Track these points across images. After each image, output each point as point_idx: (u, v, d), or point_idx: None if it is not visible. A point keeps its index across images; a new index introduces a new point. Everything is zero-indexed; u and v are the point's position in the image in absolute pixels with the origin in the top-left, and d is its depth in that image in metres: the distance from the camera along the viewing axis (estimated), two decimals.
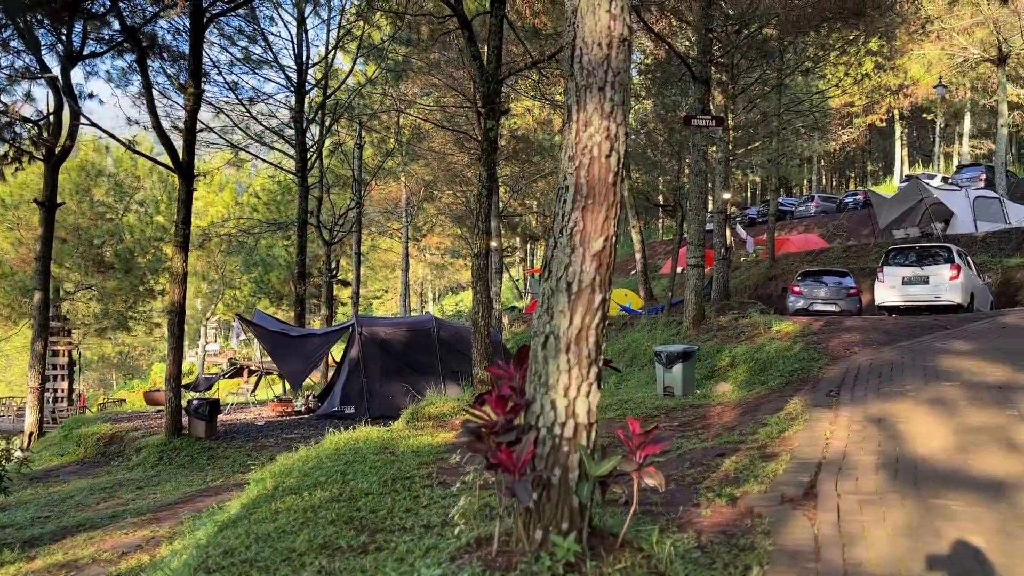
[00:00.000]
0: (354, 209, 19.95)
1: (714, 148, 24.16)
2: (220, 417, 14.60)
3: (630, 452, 3.77)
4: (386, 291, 55.21)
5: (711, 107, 22.98)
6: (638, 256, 30.96)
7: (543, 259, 3.94)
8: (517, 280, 51.74)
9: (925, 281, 15.48)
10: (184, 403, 12.66)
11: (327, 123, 20.33)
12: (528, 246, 49.74)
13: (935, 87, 23.42)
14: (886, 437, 6.13)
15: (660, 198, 41.03)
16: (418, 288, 54.06)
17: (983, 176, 31.60)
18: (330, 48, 19.69)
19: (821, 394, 8.27)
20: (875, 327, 12.45)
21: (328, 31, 18.37)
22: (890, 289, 16.04)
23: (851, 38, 23.45)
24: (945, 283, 15.08)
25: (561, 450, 3.69)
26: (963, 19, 25.91)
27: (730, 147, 24.43)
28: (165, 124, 12.87)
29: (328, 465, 6.43)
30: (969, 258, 16.46)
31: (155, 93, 12.66)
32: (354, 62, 18.65)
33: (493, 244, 21.40)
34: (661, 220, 57.09)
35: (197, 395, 15.54)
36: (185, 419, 12.49)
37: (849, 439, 6.18)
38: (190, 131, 11.92)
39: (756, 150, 32.56)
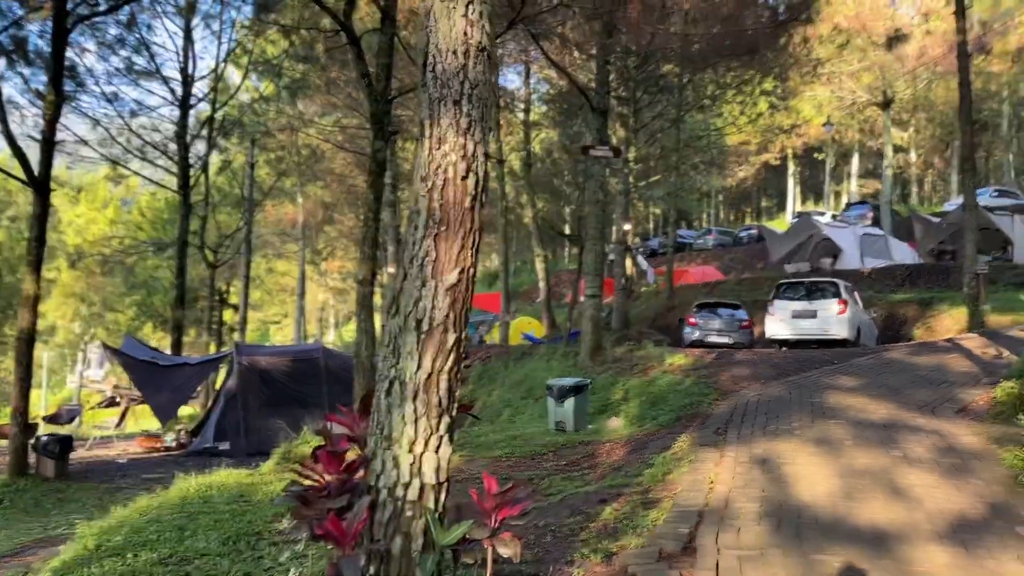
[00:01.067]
0: (242, 230, 18.93)
1: (616, 180, 24.42)
2: (79, 454, 13.32)
3: (484, 515, 3.30)
4: (285, 316, 53.30)
5: (613, 138, 23.26)
6: (542, 285, 30.81)
7: (392, 293, 3.42)
8: None
9: (813, 315, 15.83)
10: (35, 438, 11.43)
11: (215, 139, 19.33)
12: None
13: (823, 125, 24.50)
14: (771, 480, 5.91)
15: (566, 227, 41.36)
16: (319, 314, 52.40)
17: (870, 214, 33.22)
18: (220, 62, 18.80)
19: (709, 432, 8.07)
20: (765, 360, 12.52)
21: (219, 44, 17.61)
22: (780, 322, 16.33)
23: (746, 78, 24.28)
24: (833, 317, 15.45)
25: (403, 515, 3.18)
26: (851, 63, 27.29)
27: (631, 179, 24.74)
28: (23, 133, 11.75)
29: (168, 518, 5.68)
30: (856, 293, 16.98)
31: (25, 102, 11.59)
32: (244, 77, 17.78)
33: (390, 270, 20.74)
34: (567, 249, 57.61)
35: (61, 427, 14.19)
36: (33, 457, 11.26)
37: (733, 483, 5.92)
38: (48, 142, 10.87)
39: (657, 183, 33.26)
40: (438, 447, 3.30)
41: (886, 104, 28.70)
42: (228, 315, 32.12)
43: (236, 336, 25.47)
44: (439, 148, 3.32)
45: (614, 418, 10.42)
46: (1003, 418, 7.68)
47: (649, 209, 53.40)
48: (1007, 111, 42.29)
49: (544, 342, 24.16)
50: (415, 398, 3.27)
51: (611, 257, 26.15)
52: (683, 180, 35.92)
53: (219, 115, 20.40)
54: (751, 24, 15.05)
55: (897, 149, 43.12)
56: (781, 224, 39.98)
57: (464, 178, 3.34)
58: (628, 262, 27.80)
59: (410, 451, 3.25)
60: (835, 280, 16.43)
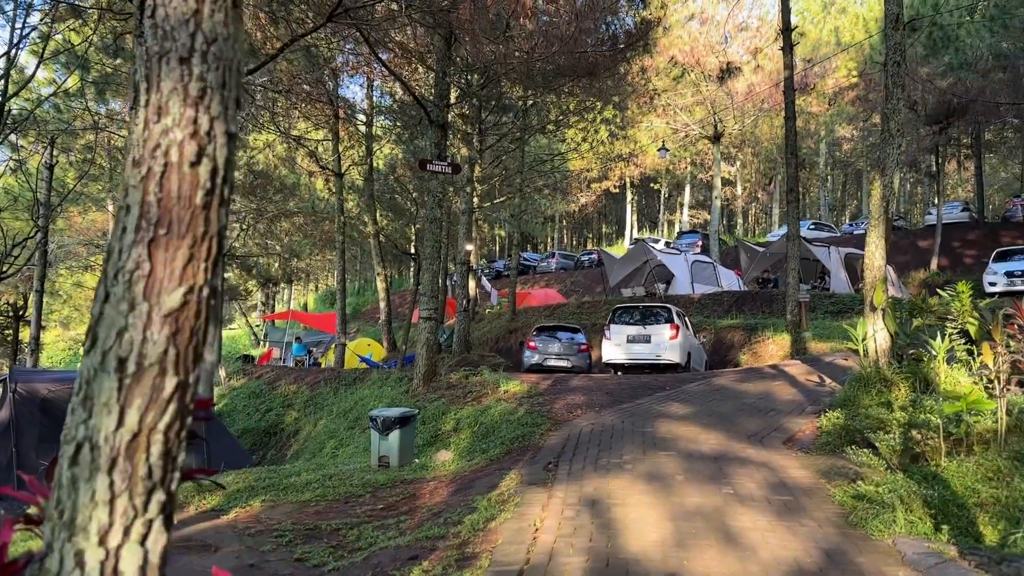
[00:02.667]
0: (34, 238, 16.57)
1: (459, 199, 23.91)
2: None
3: None
4: None
5: (457, 157, 22.77)
6: (382, 304, 29.75)
7: (89, 323, 2.34)
8: (257, 326, 48.08)
9: (647, 340, 15.91)
10: None
11: (5, 134, 16.87)
12: (269, 291, 46.45)
13: (659, 150, 25.32)
14: (600, 527, 5.36)
15: (411, 246, 40.48)
16: None
17: (699, 242, 34.83)
18: (12, 47, 16.44)
19: (539, 467, 7.49)
20: (599, 387, 12.25)
21: (13, 29, 15.27)
22: (616, 347, 16.30)
23: (588, 104, 24.66)
24: (665, 342, 15.59)
25: None
26: (685, 97, 28.50)
27: (475, 199, 24.33)
28: None
29: None
30: (687, 318, 17.31)
31: None
32: (38, 66, 15.62)
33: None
34: (413, 268, 56.65)
35: None
36: None
37: (560, 530, 5.32)
38: None
39: (502, 204, 33.18)
40: (145, 536, 2.37)
41: (716, 138, 30.21)
42: (25, 333, 28.47)
43: (53, 355, 22.46)
44: (158, 122, 2.42)
45: (443, 451, 9.67)
46: (829, 449, 7.65)
47: (495, 231, 53.61)
48: (823, 150, 46.06)
49: (381, 365, 23.11)
50: (112, 469, 2.32)
51: (454, 278, 25.59)
52: (527, 203, 36.16)
53: (13, 107, 17.89)
54: (591, 49, 15.04)
55: (725, 182, 45.87)
56: (619, 249, 41.20)
57: (194, 164, 2.45)
58: (472, 283, 27.33)
59: (101, 543, 2.30)
60: (668, 305, 16.64)
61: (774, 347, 15.93)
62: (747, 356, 16.60)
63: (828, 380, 11.37)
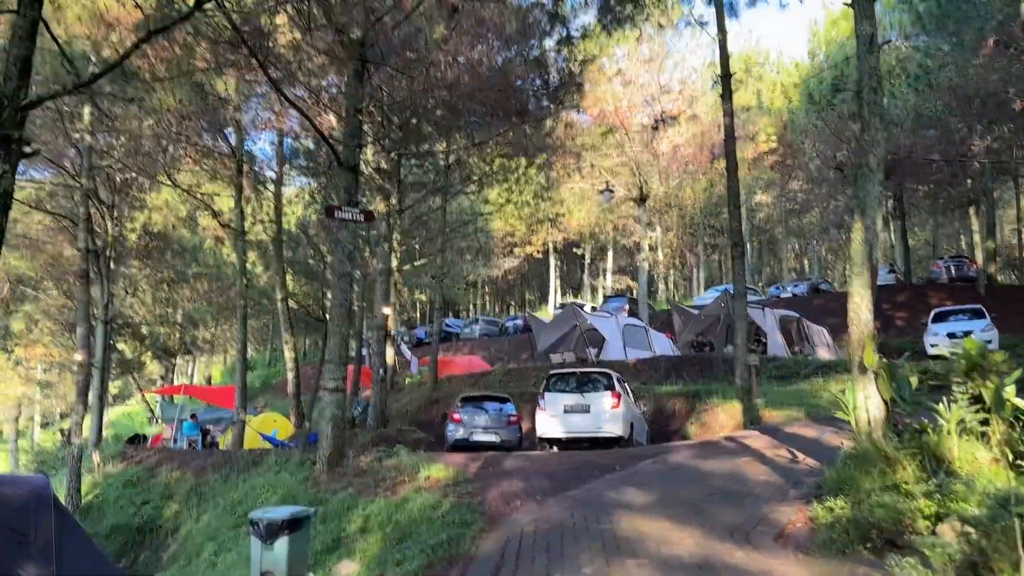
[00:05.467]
0: None
1: (375, 259, 22.11)
2: None
3: None
4: None
5: (374, 211, 21.00)
6: (290, 376, 27.14)
7: None
8: (159, 402, 44.01)
9: (586, 410, 14.21)
10: None
11: None
12: (167, 363, 42.77)
13: (601, 192, 24.26)
14: None
15: (325, 313, 38.04)
16: (15, 412, 43.19)
17: (626, 307, 33.74)
18: None
19: None
20: (538, 468, 10.42)
21: None
22: (551, 419, 14.52)
23: (513, 165, 23.55)
24: (607, 412, 13.91)
25: None
26: (610, 159, 27.77)
27: (394, 260, 22.56)
28: None
29: None
30: (627, 385, 15.76)
31: None
32: None
33: (77, 356, 16.35)
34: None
35: None
36: None
37: None
38: None
39: (423, 268, 31.46)
40: None
41: (642, 200, 29.53)
42: None
43: None
44: None
45: (346, 561, 7.62)
46: (837, 549, 6.02)
47: (415, 296, 51.66)
48: (743, 214, 46.37)
49: (287, 444, 20.62)
50: None
51: (371, 345, 23.49)
52: (449, 265, 34.57)
53: None
54: (522, 84, 13.83)
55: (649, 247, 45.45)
56: (545, 314, 39.85)
57: None
58: (390, 350, 25.23)
59: None
60: (607, 371, 15.05)
61: (724, 416, 14.49)
62: (695, 427, 15.09)
63: (800, 455, 9.87)
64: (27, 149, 6.98)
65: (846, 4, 8.67)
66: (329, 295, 36.83)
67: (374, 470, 10.66)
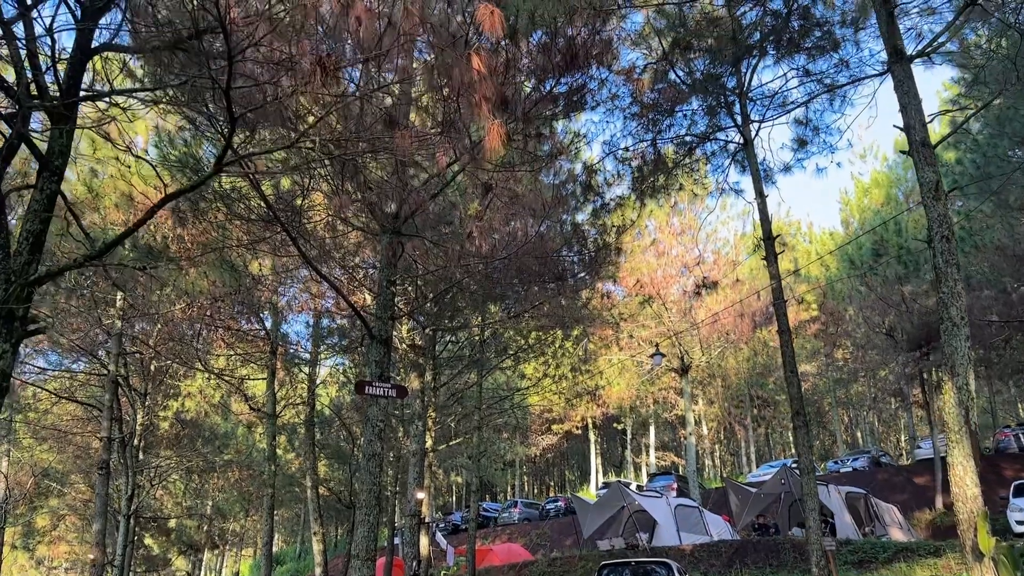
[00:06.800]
0: None
1: (409, 440, 21.17)
2: None
3: None
4: None
5: (407, 388, 20.32)
6: (318, 571, 25.33)
7: None
8: None
9: None
10: None
11: None
12: (193, 558, 40.72)
13: (651, 356, 23.28)
14: None
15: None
16: None
17: (674, 485, 31.73)
18: None
19: None
20: None
21: None
22: None
23: (549, 338, 23.05)
24: None
25: None
26: (649, 328, 27.20)
27: (429, 440, 21.55)
28: None
29: None
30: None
31: None
32: None
33: (90, 556, 15.19)
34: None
35: None
36: None
37: None
38: None
39: (458, 447, 30.22)
40: None
41: (684, 370, 28.56)
42: None
43: None
44: None
45: None
46: None
47: (451, 478, 49.72)
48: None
49: None
50: None
51: (403, 533, 21.94)
52: (487, 444, 33.28)
53: None
54: (560, 251, 13.51)
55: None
56: (589, 495, 37.69)
57: None
58: (424, 540, 23.53)
59: None
60: (666, 561, 13.49)
61: None
62: None
63: None
64: (32, 327, 6.52)
65: (902, 152, 8.25)
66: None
67: None
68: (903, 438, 52.05)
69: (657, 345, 21.72)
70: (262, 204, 10.52)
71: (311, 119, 6.57)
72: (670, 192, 16.19)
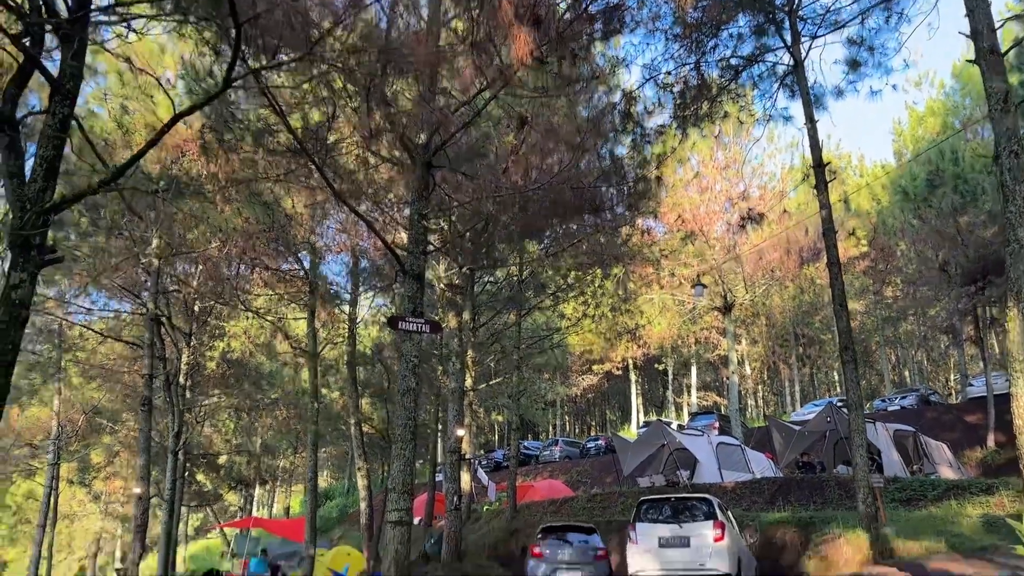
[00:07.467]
0: None
1: (448, 379, 21.21)
2: None
3: None
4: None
5: (445, 328, 20.24)
6: (363, 506, 25.85)
7: None
8: (236, 536, 42.99)
9: (685, 543, 12.40)
10: None
11: None
12: (244, 494, 42.15)
13: (693, 287, 22.82)
14: None
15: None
16: (95, 547, 42.76)
17: (716, 424, 31.51)
18: None
19: None
20: None
21: None
22: (645, 554, 12.73)
23: (588, 278, 22.66)
24: (709, 546, 12.07)
25: None
26: (691, 267, 26.60)
27: (468, 378, 21.57)
28: None
29: None
30: (730, 512, 13.88)
31: None
32: None
33: (136, 490, 15.57)
34: None
35: None
36: None
37: None
38: None
39: (498, 386, 30.31)
40: None
41: (727, 309, 27.98)
42: None
43: None
44: None
45: None
46: None
47: (492, 417, 50.22)
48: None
49: None
50: None
51: (444, 470, 22.19)
52: (526, 384, 33.31)
53: None
54: (597, 179, 13.02)
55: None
56: (630, 434, 37.72)
57: None
58: (465, 476, 23.79)
59: None
60: (707, 496, 13.27)
61: (848, 548, 12.38)
62: (814, 561, 12.96)
63: None
64: (50, 256, 6.39)
65: (969, 61, 7.57)
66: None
67: None
68: (952, 377, 50.86)
69: (699, 276, 21.12)
70: (290, 136, 10.26)
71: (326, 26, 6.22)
72: (714, 120, 15.49)
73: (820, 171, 13.15)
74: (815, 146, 13.40)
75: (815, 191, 13.27)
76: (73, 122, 6.85)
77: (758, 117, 16.57)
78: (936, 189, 22.81)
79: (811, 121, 13.38)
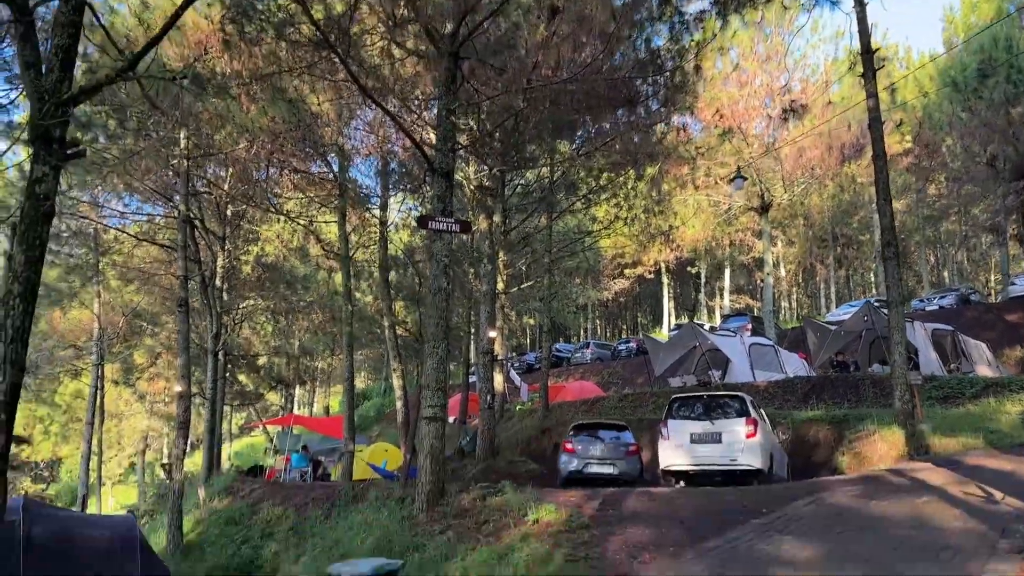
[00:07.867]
0: None
1: (480, 281, 21.21)
2: None
3: None
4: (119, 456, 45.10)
5: (475, 229, 20.09)
6: (399, 404, 26.46)
7: None
8: (278, 433, 44.69)
9: (717, 439, 12.48)
10: None
11: None
12: (285, 393, 43.47)
13: (730, 181, 22.28)
14: None
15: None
16: (143, 445, 44.72)
17: (749, 326, 31.35)
18: None
19: None
20: (667, 510, 8.85)
21: None
22: (676, 449, 12.87)
23: (620, 179, 22.10)
24: (741, 442, 12.14)
25: None
26: (727, 166, 25.84)
27: (500, 283, 21.53)
28: None
29: None
30: (762, 410, 13.89)
31: None
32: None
33: (178, 388, 16.01)
34: None
35: None
36: None
37: None
38: None
39: (530, 289, 30.34)
40: None
41: (764, 209, 27.30)
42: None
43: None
44: None
45: None
46: None
47: (524, 321, 50.62)
48: (874, 221, 42.73)
49: (395, 476, 19.78)
50: None
51: (478, 370, 22.49)
52: (557, 287, 33.29)
53: None
54: (625, 90, 12.44)
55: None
56: (662, 335, 37.83)
57: None
58: (498, 376, 24.13)
59: None
60: (739, 394, 13.27)
61: (882, 445, 12.35)
62: (847, 458, 12.99)
63: (998, 494, 7.88)
64: (72, 150, 6.25)
65: None
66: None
67: (477, 510, 9.41)
68: (993, 277, 49.79)
69: (739, 168, 20.45)
70: (313, 28, 9.85)
71: None
72: (757, 6, 14.56)
73: (868, 57, 12.40)
74: (863, 31, 12.59)
75: (861, 79, 12.56)
76: (93, 19, 6.59)
77: (803, 1, 15.55)
78: (987, 79, 21.57)
79: (860, 3, 12.52)
